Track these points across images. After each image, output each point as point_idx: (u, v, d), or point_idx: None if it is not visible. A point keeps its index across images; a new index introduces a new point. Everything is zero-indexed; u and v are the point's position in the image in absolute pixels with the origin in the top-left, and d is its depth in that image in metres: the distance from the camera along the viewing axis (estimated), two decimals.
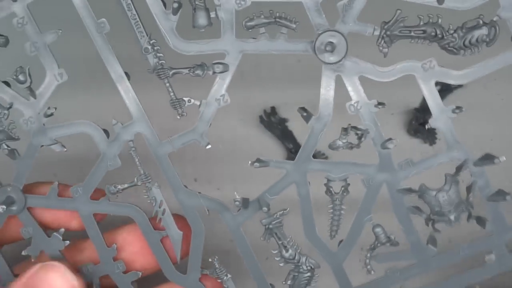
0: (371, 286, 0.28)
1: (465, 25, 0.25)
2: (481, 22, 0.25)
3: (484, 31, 0.25)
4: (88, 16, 0.26)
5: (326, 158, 0.40)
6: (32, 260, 0.29)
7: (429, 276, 0.28)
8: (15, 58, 0.27)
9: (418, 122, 0.39)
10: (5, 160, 0.28)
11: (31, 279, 0.27)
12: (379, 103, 0.26)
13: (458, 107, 0.26)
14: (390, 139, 0.26)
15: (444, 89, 0.38)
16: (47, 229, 0.29)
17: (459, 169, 0.26)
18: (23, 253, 0.29)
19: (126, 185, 0.28)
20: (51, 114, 0.27)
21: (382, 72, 0.26)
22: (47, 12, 0.29)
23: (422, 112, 0.39)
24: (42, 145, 0.28)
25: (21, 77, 0.27)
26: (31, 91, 0.27)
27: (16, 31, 0.26)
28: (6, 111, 0.27)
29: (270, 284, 0.29)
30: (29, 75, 0.27)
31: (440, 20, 0.25)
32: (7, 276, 0.29)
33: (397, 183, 0.27)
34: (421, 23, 0.25)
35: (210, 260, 0.28)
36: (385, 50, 0.26)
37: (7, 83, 0.28)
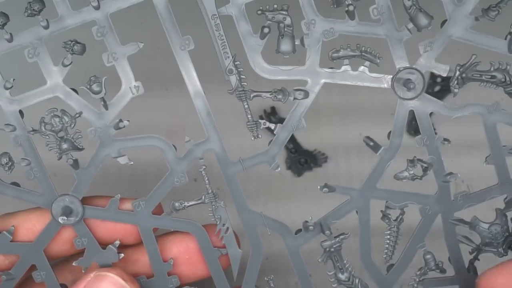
0: None
1: None
2: None
3: None
4: (174, 31, 0.26)
5: (326, 157, 0.41)
6: (83, 271, 0.28)
7: None
8: (85, 66, 0.26)
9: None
10: (61, 170, 0.28)
11: None
12: (445, 139, 0.28)
13: None
14: (451, 173, 0.28)
15: (444, 89, 0.40)
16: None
17: (509, 204, 0.29)
18: (74, 264, 0.28)
19: (193, 202, 0.28)
20: (123, 127, 0.27)
21: (452, 110, 0.28)
22: (129, 23, 0.28)
23: None
24: (109, 156, 0.27)
25: (95, 87, 0.26)
26: (104, 102, 0.27)
27: (94, 40, 0.26)
28: (73, 120, 0.27)
29: None
30: (105, 85, 0.26)
31: (508, 67, 0.27)
32: (54, 286, 0.28)
33: (451, 214, 0.29)
34: (492, 69, 0.27)
35: (266, 279, 0.29)
36: (456, 90, 0.28)
37: (75, 91, 0.27)
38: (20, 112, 0.27)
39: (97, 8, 0.26)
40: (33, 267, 0.29)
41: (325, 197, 0.29)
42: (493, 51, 0.27)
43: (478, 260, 0.30)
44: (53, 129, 0.27)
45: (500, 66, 0.27)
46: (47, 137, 0.27)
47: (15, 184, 0.28)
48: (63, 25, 0.26)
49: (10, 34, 0.26)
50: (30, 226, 0.28)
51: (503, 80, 0.27)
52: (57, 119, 0.27)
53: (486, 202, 0.29)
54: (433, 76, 0.41)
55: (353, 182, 0.38)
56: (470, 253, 0.30)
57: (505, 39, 0.27)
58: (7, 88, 0.27)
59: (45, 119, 0.27)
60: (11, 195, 0.28)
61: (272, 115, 0.42)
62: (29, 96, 0.27)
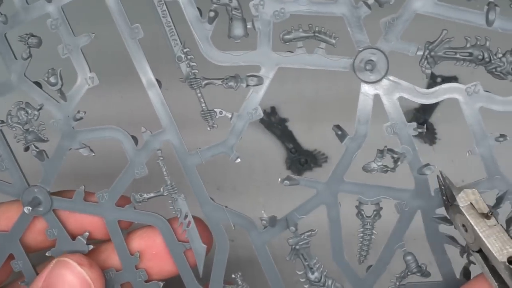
0: None
1: None
2: None
3: None
4: (122, 21, 0.26)
5: (326, 157, 0.39)
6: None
7: None
8: (47, 59, 0.27)
9: (418, 122, 0.38)
10: (33, 162, 0.29)
11: (49, 276, 0.28)
12: (419, 127, 0.25)
13: (502, 135, 0.25)
14: (428, 164, 0.26)
15: None
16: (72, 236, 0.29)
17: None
18: (47, 254, 0.29)
19: (152, 194, 0.28)
20: (81, 118, 0.28)
21: (424, 94, 0.25)
22: (81, 14, 0.29)
23: (422, 112, 0.38)
24: (71, 148, 0.28)
25: (52, 79, 0.27)
26: (62, 94, 0.27)
27: (49, 32, 0.27)
28: (36, 112, 0.28)
29: None
30: (61, 77, 0.27)
31: (488, 43, 0.24)
32: (31, 276, 0.30)
33: (433, 211, 0.26)
34: (468, 45, 0.25)
35: (233, 276, 0.28)
36: (428, 71, 0.25)
37: (38, 84, 0.28)
38: None
39: (50, 1, 0.26)
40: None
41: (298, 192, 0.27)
42: (469, 25, 0.24)
43: (473, 263, 0.27)
44: (19, 121, 0.28)
45: (478, 42, 0.24)
46: (14, 129, 0.28)
47: None
48: (20, 19, 0.27)
49: None
50: (8, 216, 0.30)
51: (481, 57, 0.24)
52: (22, 112, 0.28)
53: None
54: (433, 76, 0.37)
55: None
56: (461, 255, 0.27)
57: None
58: None
59: (11, 111, 0.28)
60: None
61: (272, 115, 0.41)
62: None
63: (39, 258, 0.31)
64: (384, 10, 0.25)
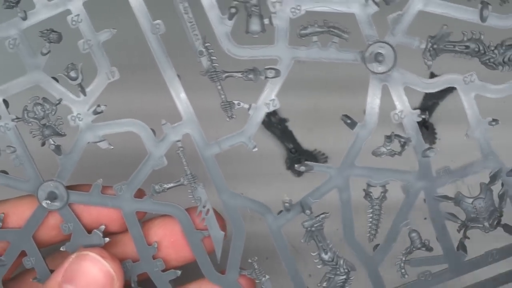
0: None
1: (505, 43, 0.28)
2: None
3: None
4: (144, 17, 0.28)
5: (326, 157, 0.42)
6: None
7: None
8: (66, 55, 0.28)
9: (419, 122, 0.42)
10: (45, 157, 0.29)
11: (68, 271, 0.29)
12: (422, 113, 0.29)
13: (494, 120, 0.29)
14: (430, 147, 0.29)
15: (445, 89, 0.40)
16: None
17: (493, 178, 0.29)
18: (61, 249, 0.30)
19: (172, 184, 0.29)
20: (101, 112, 0.29)
21: (427, 84, 0.28)
22: (101, 10, 0.30)
23: (422, 113, 0.41)
24: (89, 142, 0.29)
25: (72, 74, 0.28)
26: (82, 88, 0.28)
27: (69, 28, 0.28)
28: (54, 107, 0.29)
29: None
30: (81, 72, 0.28)
31: (482, 37, 0.28)
32: (44, 272, 0.30)
33: (434, 191, 0.29)
34: (465, 39, 0.28)
35: (249, 261, 0.30)
36: (430, 63, 0.28)
37: (55, 79, 0.29)
38: (5, 101, 0.29)
39: None
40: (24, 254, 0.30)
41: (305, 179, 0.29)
42: (466, 21, 0.28)
43: (468, 238, 0.30)
44: (35, 116, 0.29)
45: (473, 36, 0.28)
46: (30, 124, 0.29)
47: (4, 172, 0.30)
48: (40, 16, 0.28)
49: None
50: (19, 212, 0.30)
51: (476, 50, 0.28)
52: (39, 107, 0.29)
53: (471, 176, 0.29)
54: (432, 75, 0.41)
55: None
56: (458, 231, 0.30)
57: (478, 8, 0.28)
58: None
59: (28, 107, 0.29)
60: (0, 183, 0.30)
61: (272, 115, 0.43)
62: (12, 86, 0.29)
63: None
64: (390, 8, 0.28)
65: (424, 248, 0.30)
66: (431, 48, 0.28)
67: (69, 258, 0.29)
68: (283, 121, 0.42)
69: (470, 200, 0.29)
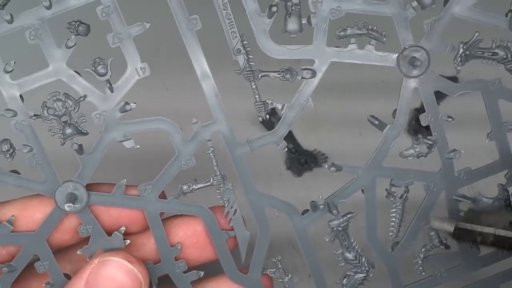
0: (420, 285, 0.31)
1: None
2: None
3: None
4: (181, 12, 0.26)
5: (326, 157, 0.42)
6: (88, 259, 0.29)
7: None
8: (90, 48, 0.26)
9: (418, 122, 0.43)
10: (62, 156, 0.28)
11: (92, 277, 0.27)
12: (449, 116, 0.29)
13: None
14: (455, 149, 0.30)
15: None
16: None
17: (510, 180, 0.30)
18: (79, 252, 0.29)
19: (201, 185, 0.29)
20: (130, 110, 0.27)
21: (456, 88, 0.29)
22: (134, 2, 0.28)
23: (422, 112, 0.43)
24: (116, 140, 0.27)
25: (100, 69, 0.27)
26: (110, 85, 0.27)
27: (98, 20, 0.26)
28: (77, 104, 0.27)
29: None
30: (110, 67, 0.26)
31: (510, 45, 0.29)
32: (57, 277, 0.29)
33: (455, 190, 0.30)
34: (494, 46, 0.29)
35: (274, 260, 0.30)
36: (459, 68, 0.29)
37: (77, 73, 0.27)
38: (21, 96, 0.27)
39: None
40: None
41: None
42: (495, 29, 0.29)
43: None
44: (56, 113, 0.27)
45: (502, 43, 0.29)
46: (50, 122, 0.27)
47: (15, 171, 0.28)
48: (66, 5, 0.26)
49: (11, 15, 0.26)
50: (30, 214, 0.28)
51: (504, 57, 0.29)
52: (60, 103, 0.27)
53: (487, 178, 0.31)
54: (453, 79, 0.42)
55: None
56: None
57: (506, 16, 0.28)
58: (7, 72, 0.26)
59: (47, 103, 0.27)
60: (11, 184, 0.28)
61: (272, 115, 0.42)
62: (31, 80, 0.27)
63: None
64: (425, 13, 0.28)
65: (442, 246, 0.31)
66: (462, 54, 0.29)
67: (90, 263, 0.28)
68: None
69: (490, 201, 0.30)
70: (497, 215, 0.29)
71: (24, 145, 0.27)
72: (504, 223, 0.28)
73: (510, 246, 0.28)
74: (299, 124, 0.43)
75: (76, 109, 0.27)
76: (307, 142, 0.41)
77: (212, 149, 0.28)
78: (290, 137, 0.43)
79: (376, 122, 0.30)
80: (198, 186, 0.29)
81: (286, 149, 0.41)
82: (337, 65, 0.28)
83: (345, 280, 0.31)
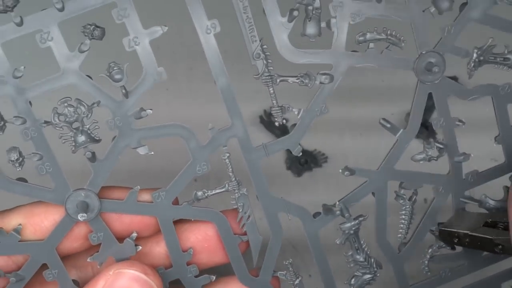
0: (425, 285, 0.32)
1: None
2: None
3: None
4: (200, 14, 0.26)
5: (326, 157, 0.42)
6: (99, 267, 0.28)
7: None
8: (103, 52, 0.25)
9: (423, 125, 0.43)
10: (71, 163, 0.27)
11: None
12: (460, 120, 0.30)
13: None
14: (464, 153, 0.30)
15: None
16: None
17: None
18: (89, 259, 0.28)
19: (216, 191, 0.28)
20: (145, 116, 0.26)
21: (467, 93, 0.29)
22: (151, 5, 0.27)
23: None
24: (130, 147, 0.27)
25: (115, 74, 0.26)
26: (126, 91, 0.26)
27: (113, 23, 0.25)
28: (90, 110, 0.26)
29: None
30: (126, 73, 0.25)
31: None
32: (67, 285, 0.28)
33: (462, 192, 0.31)
34: (506, 51, 0.29)
35: (285, 263, 0.30)
36: (473, 72, 0.29)
37: (90, 78, 0.26)
38: (30, 102, 0.26)
39: None
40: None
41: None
42: (505, 34, 0.29)
43: None
44: (67, 120, 0.26)
45: None
46: (61, 128, 0.26)
47: (22, 179, 0.27)
48: (80, 6, 0.25)
49: (20, 17, 0.24)
50: (37, 222, 0.27)
51: None
52: (71, 109, 0.26)
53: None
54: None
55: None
56: None
57: None
58: (16, 77, 0.25)
59: (58, 109, 0.26)
60: (19, 193, 0.27)
61: (272, 115, 0.42)
62: (41, 85, 0.25)
63: None
64: (439, 17, 0.28)
65: (448, 247, 0.32)
66: (476, 59, 0.29)
67: (104, 274, 0.27)
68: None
69: (496, 203, 0.31)
70: (474, 218, 0.31)
71: (33, 153, 0.26)
72: (478, 225, 0.30)
73: (482, 246, 0.29)
74: None
75: (89, 116, 0.26)
76: (307, 142, 0.41)
77: (228, 155, 0.28)
78: None
79: (388, 126, 0.30)
80: (213, 192, 0.28)
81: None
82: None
83: (353, 280, 0.32)
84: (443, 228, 0.31)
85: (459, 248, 0.32)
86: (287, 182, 0.35)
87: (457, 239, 0.30)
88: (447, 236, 0.31)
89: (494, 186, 0.31)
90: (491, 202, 0.31)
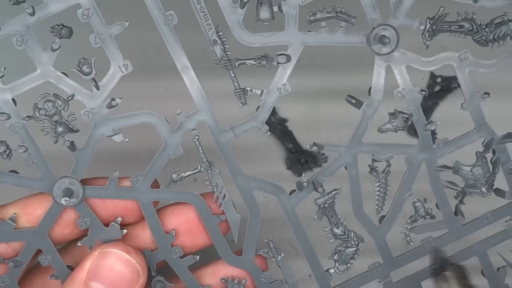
0: (409, 256, 0.33)
1: (493, 21, 0.31)
2: (506, 18, 0.30)
3: (510, 26, 0.30)
4: (157, 9, 0.28)
5: (326, 157, 0.43)
6: (88, 250, 0.30)
7: None
8: (75, 50, 0.28)
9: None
10: (56, 153, 0.29)
11: (92, 268, 0.29)
12: (422, 90, 0.31)
13: (486, 93, 0.31)
14: (431, 121, 0.31)
15: (444, 89, 0.43)
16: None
17: (487, 146, 0.32)
18: (79, 244, 0.30)
19: (189, 172, 0.30)
20: (116, 105, 0.29)
21: (426, 62, 0.30)
22: (112, 3, 0.30)
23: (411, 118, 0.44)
24: (105, 135, 0.29)
25: (85, 69, 0.28)
26: (95, 83, 0.29)
27: (79, 22, 0.28)
28: (66, 103, 0.29)
29: None
30: (94, 66, 0.28)
31: (475, 17, 0.30)
32: (61, 269, 0.30)
33: (435, 161, 0.32)
34: (459, 19, 0.30)
35: (265, 241, 0.32)
36: (428, 42, 0.30)
37: (65, 75, 0.29)
38: (13, 100, 0.29)
39: None
40: (37, 252, 0.30)
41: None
42: (461, 3, 0.30)
43: (464, 204, 0.33)
44: (47, 113, 0.29)
45: (467, 16, 0.30)
46: (42, 122, 0.29)
47: (14, 171, 0.30)
48: (48, 11, 0.28)
49: None
50: (30, 211, 0.30)
51: (470, 28, 0.30)
52: (50, 104, 0.29)
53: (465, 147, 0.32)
54: (433, 76, 0.44)
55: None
56: (456, 197, 0.33)
57: None
58: None
59: (38, 104, 0.29)
60: (11, 183, 0.30)
61: (272, 115, 0.44)
62: (21, 84, 0.29)
63: None
64: None
65: (428, 216, 0.32)
66: (429, 29, 0.30)
67: (91, 255, 0.29)
68: (283, 121, 0.43)
69: (469, 168, 0.32)
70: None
71: (19, 145, 0.29)
72: None
73: None
74: (299, 124, 0.44)
75: (66, 108, 0.29)
76: (307, 142, 0.42)
77: (197, 137, 0.30)
78: (290, 137, 0.44)
79: (353, 101, 0.31)
80: (187, 173, 0.30)
81: (286, 149, 0.43)
82: (336, 66, 0.29)
83: (336, 255, 0.33)
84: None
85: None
86: (287, 182, 0.36)
87: None
88: None
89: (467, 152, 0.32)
90: (465, 169, 0.32)
